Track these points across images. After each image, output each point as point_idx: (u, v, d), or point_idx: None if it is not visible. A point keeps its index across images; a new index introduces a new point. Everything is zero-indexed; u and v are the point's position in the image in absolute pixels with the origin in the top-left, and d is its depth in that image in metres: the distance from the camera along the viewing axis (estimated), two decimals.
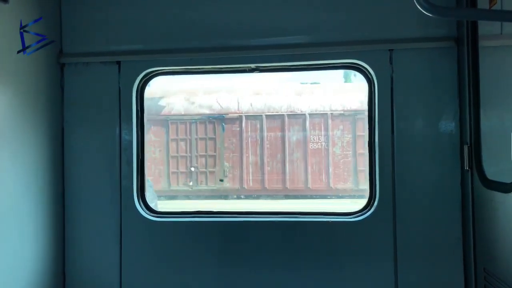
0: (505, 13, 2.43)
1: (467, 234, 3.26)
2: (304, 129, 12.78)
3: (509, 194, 2.61)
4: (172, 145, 14.34)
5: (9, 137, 3.15)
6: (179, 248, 3.64)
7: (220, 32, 3.62)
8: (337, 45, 3.50)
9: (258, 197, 12.82)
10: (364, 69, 3.55)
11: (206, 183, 14.42)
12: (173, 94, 14.70)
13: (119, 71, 3.68)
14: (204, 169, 14.42)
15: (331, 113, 12.72)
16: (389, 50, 3.44)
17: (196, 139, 14.42)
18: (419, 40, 3.41)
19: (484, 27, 2.99)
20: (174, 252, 3.64)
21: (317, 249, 3.52)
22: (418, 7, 1.99)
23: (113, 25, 3.71)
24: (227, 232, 3.64)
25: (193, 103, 14.52)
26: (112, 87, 3.68)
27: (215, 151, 14.35)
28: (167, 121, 14.32)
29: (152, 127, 14.39)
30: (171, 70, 3.80)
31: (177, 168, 14.42)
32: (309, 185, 12.48)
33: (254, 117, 13.09)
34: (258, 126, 13.13)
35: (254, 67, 3.69)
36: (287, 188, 12.47)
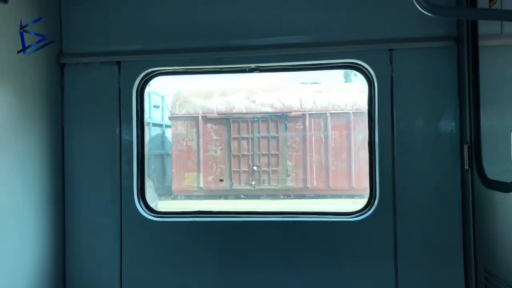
0: (505, 13, 2.43)
1: (467, 233, 3.26)
2: None
3: (509, 193, 2.61)
4: (234, 144, 14.20)
5: (9, 137, 3.15)
6: (179, 248, 3.64)
7: (220, 32, 3.62)
8: (337, 45, 3.50)
9: (323, 196, 12.46)
10: (364, 69, 3.55)
11: (269, 182, 14.28)
12: (233, 92, 14.57)
13: (119, 71, 3.68)
14: (266, 168, 14.25)
15: None
16: (389, 49, 3.44)
17: (258, 137, 14.22)
18: (419, 40, 3.41)
19: (484, 26, 2.98)
20: (174, 252, 3.64)
21: (317, 249, 3.52)
22: (418, 6, 1.99)
23: (113, 25, 3.71)
24: (227, 232, 3.64)
25: (254, 101, 14.38)
26: (112, 87, 3.68)
27: (277, 150, 14.21)
28: (229, 120, 14.23)
29: (212, 125, 14.27)
30: (171, 70, 3.80)
31: (239, 167, 14.35)
32: None
33: (318, 115, 12.82)
34: (322, 124, 12.79)
35: (254, 67, 3.69)
36: (353, 187, 12.18)
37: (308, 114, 13.40)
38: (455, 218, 3.35)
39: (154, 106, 15.76)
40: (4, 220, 3.08)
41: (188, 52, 3.64)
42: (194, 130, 14.55)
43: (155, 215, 3.72)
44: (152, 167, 15.30)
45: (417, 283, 3.41)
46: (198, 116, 14.31)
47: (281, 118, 14.26)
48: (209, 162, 14.48)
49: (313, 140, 13.15)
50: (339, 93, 13.24)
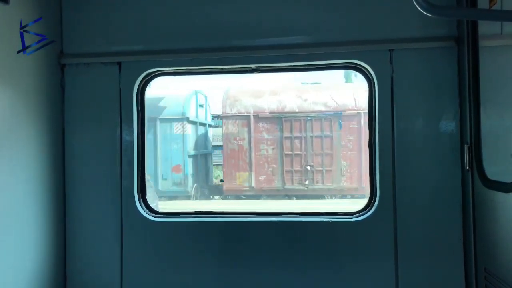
0: (504, 13, 2.43)
1: (467, 233, 3.26)
2: None
3: (510, 193, 2.61)
4: (286, 143, 14.06)
5: (10, 138, 3.16)
6: (179, 248, 3.64)
7: (220, 33, 3.62)
8: (337, 45, 3.50)
9: None
10: (364, 69, 3.55)
11: (323, 182, 14.10)
12: (284, 91, 14.42)
13: (119, 71, 3.68)
14: (320, 168, 14.11)
15: None
16: (389, 50, 3.44)
17: (311, 136, 14.14)
18: (419, 40, 3.41)
19: (484, 27, 2.99)
20: (174, 252, 3.64)
21: (317, 249, 3.52)
22: (417, 7, 1.99)
23: (114, 26, 3.72)
24: (227, 232, 3.64)
25: (305, 100, 14.26)
26: (112, 88, 3.68)
27: (331, 149, 14.02)
28: (281, 119, 14.05)
29: (264, 124, 14.12)
30: (171, 71, 3.80)
31: (292, 167, 14.17)
32: None
33: None
34: None
35: (255, 68, 3.69)
36: None
37: (364, 112, 13.24)
38: (455, 218, 3.35)
39: (200, 105, 15.65)
40: (5, 221, 3.08)
41: (189, 52, 3.64)
42: (246, 129, 14.41)
43: (156, 215, 3.73)
44: (198, 167, 14.96)
45: (417, 283, 3.41)
46: (249, 115, 14.27)
47: (335, 116, 14.11)
48: (261, 162, 14.39)
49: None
50: None
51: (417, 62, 3.42)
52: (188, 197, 14.81)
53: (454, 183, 3.35)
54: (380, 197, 3.46)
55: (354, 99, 13.97)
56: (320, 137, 14.13)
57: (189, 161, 14.92)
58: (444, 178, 3.37)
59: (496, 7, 2.66)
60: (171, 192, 14.51)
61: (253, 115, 14.34)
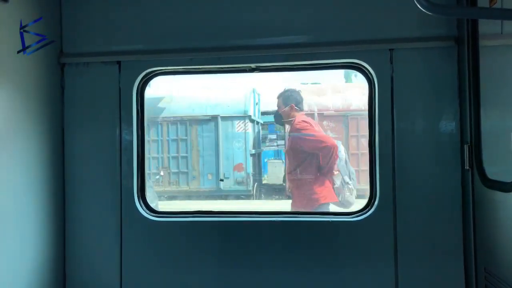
0: (505, 12, 2.42)
1: (467, 233, 3.26)
2: None
3: (510, 193, 2.60)
4: (352, 142, 13.80)
5: (9, 137, 3.15)
6: (179, 248, 3.64)
7: (220, 32, 3.62)
8: (337, 44, 3.49)
9: None
10: (364, 69, 3.55)
11: None
12: (349, 88, 14.16)
13: (119, 71, 3.68)
14: None
15: None
16: (390, 49, 3.44)
17: None
18: (420, 40, 3.40)
19: (485, 26, 2.98)
20: (174, 252, 3.64)
21: (317, 248, 3.51)
22: (418, 5, 1.99)
23: (114, 25, 3.71)
24: (227, 231, 3.64)
25: None
26: (112, 87, 3.68)
27: None
28: (347, 117, 13.84)
29: (329, 123, 13.90)
30: (171, 70, 3.80)
31: (358, 166, 14.05)
32: None
33: None
34: None
35: (254, 67, 3.69)
36: None
37: None
38: (455, 218, 3.34)
39: (256, 103, 15.45)
40: (4, 220, 3.08)
41: (188, 52, 3.63)
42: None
43: (155, 215, 3.72)
44: (257, 165, 14.69)
45: (417, 282, 3.41)
46: (313, 113, 13.83)
47: None
48: None
49: None
50: None
51: (417, 61, 3.42)
52: (249, 196, 14.58)
53: (454, 183, 3.34)
54: (380, 196, 3.46)
55: None
56: None
57: (250, 160, 14.69)
58: (444, 178, 3.37)
59: (497, 5, 2.66)
60: (232, 191, 14.17)
61: (317, 113, 14.13)
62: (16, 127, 3.23)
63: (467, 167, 3.20)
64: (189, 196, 12.75)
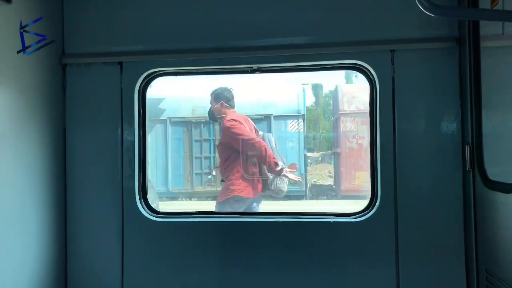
0: (506, 13, 2.43)
1: (469, 234, 3.26)
2: None
3: (511, 194, 2.61)
4: None
5: (11, 138, 3.16)
6: (181, 249, 3.64)
7: (221, 33, 3.63)
8: (339, 45, 3.50)
9: None
10: (365, 70, 3.55)
11: None
12: None
13: (121, 71, 3.69)
14: None
15: None
16: (391, 50, 3.44)
17: None
18: (421, 41, 3.41)
19: (486, 27, 2.99)
20: (176, 253, 3.64)
21: (318, 249, 3.52)
22: (420, 6, 1.99)
23: (115, 26, 3.72)
24: (228, 232, 3.64)
25: None
26: (114, 88, 3.68)
27: None
28: None
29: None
30: (173, 71, 3.80)
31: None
32: None
33: None
34: None
35: (256, 68, 3.69)
36: None
37: None
38: (457, 219, 3.34)
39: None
40: (6, 220, 3.09)
41: (190, 52, 3.64)
42: (365, 127, 14.15)
43: (157, 215, 3.73)
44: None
45: (418, 283, 3.41)
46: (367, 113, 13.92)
47: None
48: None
49: None
50: None
51: (419, 62, 3.42)
52: (301, 197, 14.37)
53: (456, 184, 3.34)
54: (381, 197, 3.46)
55: None
56: None
57: (303, 160, 14.45)
58: (446, 179, 3.37)
59: (498, 7, 2.66)
60: (287, 191, 13.95)
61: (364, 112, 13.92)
62: (18, 127, 3.24)
63: (468, 168, 3.20)
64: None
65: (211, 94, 5.93)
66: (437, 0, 2.05)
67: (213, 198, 11.62)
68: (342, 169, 14.16)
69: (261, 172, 5.86)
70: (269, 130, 13.44)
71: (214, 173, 12.10)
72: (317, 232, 3.55)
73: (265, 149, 5.69)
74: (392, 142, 3.43)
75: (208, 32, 3.62)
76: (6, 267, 3.09)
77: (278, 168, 5.81)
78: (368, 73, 3.54)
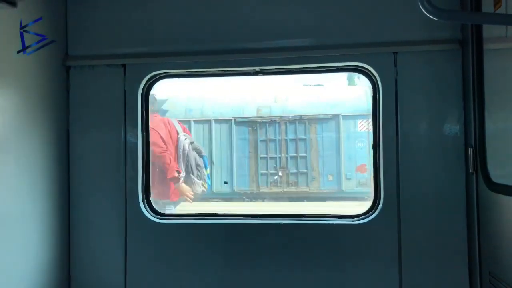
0: (509, 17, 2.43)
1: (472, 237, 3.25)
2: None
3: None
4: None
5: (14, 140, 3.17)
6: (184, 250, 3.65)
7: (224, 35, 3.63)
8: (342, 47, 3.50)
9: None
10: (368, 72, 3.55)
11: None
12: None
13: (124, 74, 3.70)
14: None
15: None
16: (394, 53, 3.44)
17: None
18: (424, 43, 3.41)
19: (489, 29, 2.98)
20: (179, 254, 3.65)
21: (321, 251, 3.52)
22: (423, 10, 1.99)
23: (119, 28, 3.73)
24: (232, 234, 3.65)
25: None
26: (117, 90, 3.70)
27: None
28: None
29: None
30: (176, 73, 3.81)
31: None
32: None
33: None
34: None
35: (259, 70, 3.70)
36: None
37: None
38: (460, 221, 3.34)
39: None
40: (10, 222, 3.10)
41: (193, 55, 3.65)
42: None
43: (160, 217, 3.74)
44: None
45: (421, 286, 3.40)
46: None
47: None
48: None
49: None
50: None
51: (422, 64, 3.42)
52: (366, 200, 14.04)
53: (459, 186, 3.34)
54: (384, 199, 3.46)
55: None
56: None
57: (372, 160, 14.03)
58: (449, 181, 3.37)
59: (501, 10, 2.66)
60: (355, 192, 13.13)
61: None
62: (21, 129, 3.25)
63: (471, 170, 3.19)
64: (306, 197, 11.91)
65: None
66: (440, 3, 2.06)
67: (279, 199, 11.49)
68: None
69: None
70: (338, 130, 12.92)
71: (280, 173, 11.90)
72: (320, 234, 3.55)
73: (170, 160, 6.00)
74: (395, 144, 3.43)
75: (211, 35, 3.63)
76: (10, 269, 3.10)
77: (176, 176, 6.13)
78: (371, 75, 3.54)
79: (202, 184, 6.85)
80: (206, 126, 11.96)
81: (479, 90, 3.08)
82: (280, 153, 12.17)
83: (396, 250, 3.42)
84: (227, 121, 11.94)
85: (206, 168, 7.01)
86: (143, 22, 3.70)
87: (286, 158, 12.13)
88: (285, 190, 11.98)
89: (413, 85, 3.42)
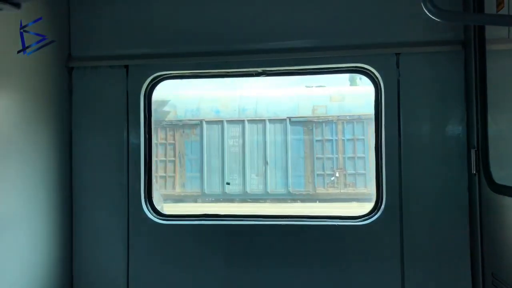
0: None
1: (474, 238, 3.25)
2: None
3: None
4: None
5: (17, 141, 3.18)
6: (186, 251, 3.65)
7: (226, 36, 3.64)
8: (344, 49, 3.51)
9: None
10: (370, 73, 3.55)
11: None
12: None
13: (127, 75, 3.71)
14: None
15: None
16: (396, 54, 3.44)
17: None
18: (426, 44, 3.41)
19: (491, 31, 2.98)
20: (180, 255, 3.65)
21: (324, 252, 3.52)
22: (426, 11, 1.99)
23: (121, 29, 3.74)
24: (233, 235, 3.65)
25: None
26: (120, 91, 3.71)
27: None
28: None
29: None
30: (178, 74, 3.82)
31: None
32: None
33: None
34: None
35: (261, 71, 3.70)
36: None
37: None
38: (462, 223, 3.34)
39: None
40: (13, 223, 3.11)
41: (195, 56, 3.66)
42: None
43: (162, 218, 3.74)
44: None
45: (424, 287, 3.40)
46: None
47: None
48: None
49: None
50: None
51: (424, 66, 3.42)
52: None
53: (461, 187, 3.34)
54: (386, 200, 3.46)
55: None
56: None
57: None
58: (451, 182, 3.36)
59: (503, 11, 2.66)
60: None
61: None
62: (24, 130, 3.26)
63: (474, 171, 3.19)
64: (364, 198, 11.32)
65: None
66: (442, 4, 2.06)
67: (337, 200, 11.07)
68: None
69: None
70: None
71: (337, 174, 11.54)
72: (322, 235, 3.55)
73: None
74: (397, 146, 3.43)
75: (214, 36, 3.64)
76: (14, 268, 3.11)
77: None
78: (373, 76, 3.54)
79: None
80: (260, 126, 11.64)
81: (481, 91, 3.08)
82: (337, 153, 11.76)
83: (398, 251, 3.42)
84: (281, 120, 11.60)
85: None
86: (145, 24, 3.71)
87: (343, 158, 11.71)
88: (342, 191, 11.61)
89: (416, 86, 3.42)
